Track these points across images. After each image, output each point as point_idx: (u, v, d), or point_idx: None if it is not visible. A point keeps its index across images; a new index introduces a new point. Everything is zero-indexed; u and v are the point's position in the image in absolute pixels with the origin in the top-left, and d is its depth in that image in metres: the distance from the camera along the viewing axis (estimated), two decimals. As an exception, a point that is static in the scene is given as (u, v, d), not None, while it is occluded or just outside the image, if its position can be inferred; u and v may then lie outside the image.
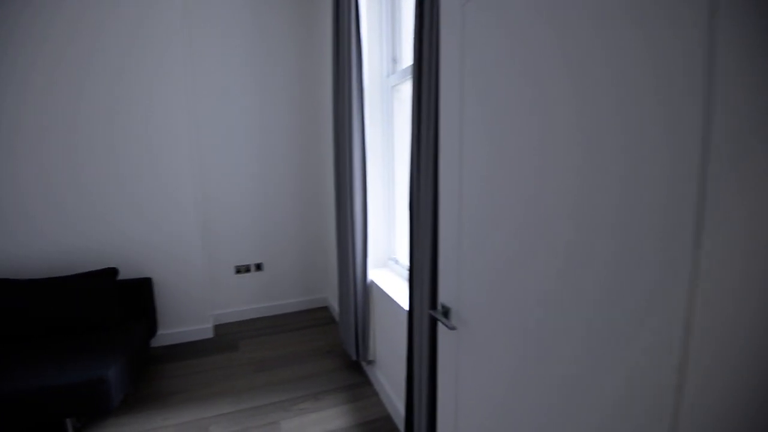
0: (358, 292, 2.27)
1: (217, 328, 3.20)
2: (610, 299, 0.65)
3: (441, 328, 1.22)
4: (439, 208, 1.19)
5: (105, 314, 2.38)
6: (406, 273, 2.20)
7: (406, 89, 2.29)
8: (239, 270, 3.30)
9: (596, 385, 0.69)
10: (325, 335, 3.03)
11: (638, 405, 0.62)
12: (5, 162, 2.47)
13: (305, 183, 3.39)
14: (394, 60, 2.35)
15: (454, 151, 1.08)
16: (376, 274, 2.34)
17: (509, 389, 0.93)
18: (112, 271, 2.51)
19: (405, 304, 1.87)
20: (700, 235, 0.51)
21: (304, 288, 3.52)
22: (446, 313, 1.16)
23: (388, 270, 2.41)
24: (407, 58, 2.28)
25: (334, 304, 3.34)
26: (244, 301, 3.35)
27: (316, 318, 3.35)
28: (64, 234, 2.62)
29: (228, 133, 3.12)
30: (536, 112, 0.78)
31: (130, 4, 2.58)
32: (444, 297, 1.20)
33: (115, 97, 2.63)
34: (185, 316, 2.99)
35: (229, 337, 3.05)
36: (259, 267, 3.35)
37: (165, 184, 2.80)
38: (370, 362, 2.40)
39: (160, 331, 2.93)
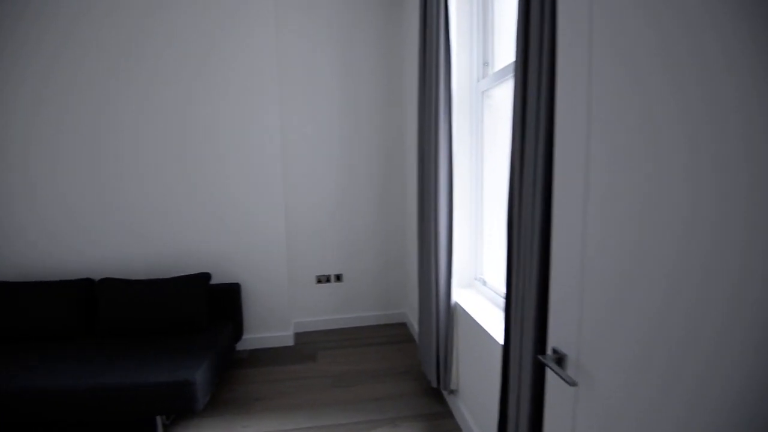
0: (440, 314, 2.10)
1: (297, 336, 3.24)
2: None
3: (552, 378, 1.01)
4: (553, 229, 0.99)
5: (197, 316, 2.52)
6: (496, 296, 1.97)
7: (499, 94, 2.09)
8: (320, 280, 3.32)
9: None
10: (403, 354, 2.89)
11: None
12: (111, 174, 2.76)
13: (387, 195, 3.32)
14: (485, 63, 2.16)
15: (577, 163, 0.87)
16: (460, 295, 2.15)
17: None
18: (206, 276, 2.65)
19: (497, 334, 1.65)
20: None
21: (383, 302, 3.44)
22: (560, 360, 0.95)
23: (474, 291, 2.21)
24: (501, 60, 2.09)
25: (413, 322, 3.19)
26: (323, 311, 3.36)
27: (393, 334, 3.24)
28: (164, 239, 2.85)
29: (311, 144, 3.17)
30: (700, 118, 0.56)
31: (225, 25, 2.75)
32: (557, 339, 0.98)
33: (209, 110, 2.81)
34: (268, 323, 3.07)
35: (308, 346, 3.06)
36: (339, 278, 3.34)
37: (255, 196, 2.91)
38: (452, 391, 2.20)
39: (245, 336, 3.04)
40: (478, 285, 2.20)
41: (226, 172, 2.87)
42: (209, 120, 2.81)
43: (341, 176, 3.24)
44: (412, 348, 2.98)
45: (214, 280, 2.93)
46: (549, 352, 1.01)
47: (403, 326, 3.39)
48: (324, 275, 3.32)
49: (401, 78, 3.22)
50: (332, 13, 3.07)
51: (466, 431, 2.00)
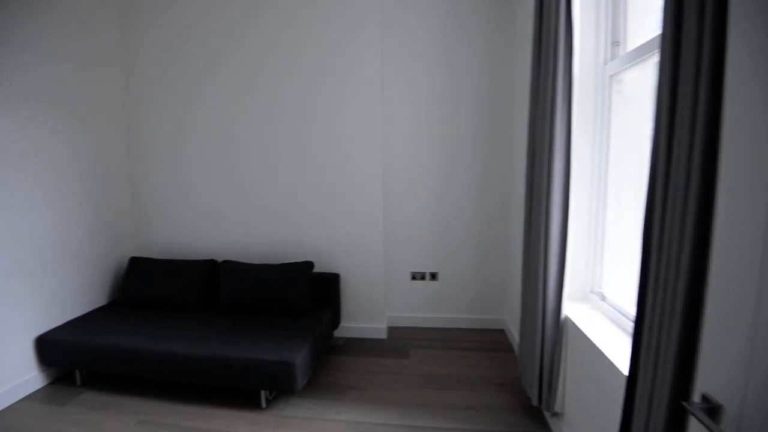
0: (547, 327, 1.88)
1: (390, 330, 3.26)
2: None
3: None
4: (714, 240, 0.77)
5: (301, 301, 2.68)
6: (617, 314, 1.70)
7: (632, 78, 1.78)
8: (414, 276, 3.28)
9: None
10: (500, 363, 2.70)
11: None
12: (236, 175, 3.07)
13: (489, 193, 3.13)
14: (615, 43, 1.86)
15: (759, 157, 0.66)
16: (572, 308, 1.90)
17: None
18: (310, 264, 2.81)
19: (619, 361, 1.41)
20: None
21: (479, 305, 3.26)
22: (713, 412, 0.74)
23: (590, 306, 1.93)
24: (636, 38, 1.77)
25: (512, 330, 2.96)
26: (416, 308, 3.32)
27: (489, 341, 3.05)
28: (276, 230, 3.11)
29: (411, 141, 3.13)
30: None
31: (334, 30, 2.85)
32: (710, 384, 0.77)
33: (320, 113, 2.95)
34: (363, 314, 3.14)
35: (400, 342, 3.06)
36: (434, 276, 3.26)
37: (357, 191, 3.00)
38: (556, 414, 1.97)
39: (342, 324, 3.15)
40: (595, 299, 1.92)
41: (330, 170, 3.00)
42: (320, 124, 2.97)
43: (441, 173, 3.14)
44: (510, 358, 2.77)
45: (316, 269, 3.10)
46: (696, 398, 0.80)
47: (500, 333, 3.17)
48: (419, 272, 3.27)
49: (510, 68, 2.98)
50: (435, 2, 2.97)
51: (571, 462, 1.78)
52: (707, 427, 0.72)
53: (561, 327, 1.84)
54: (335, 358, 2.81)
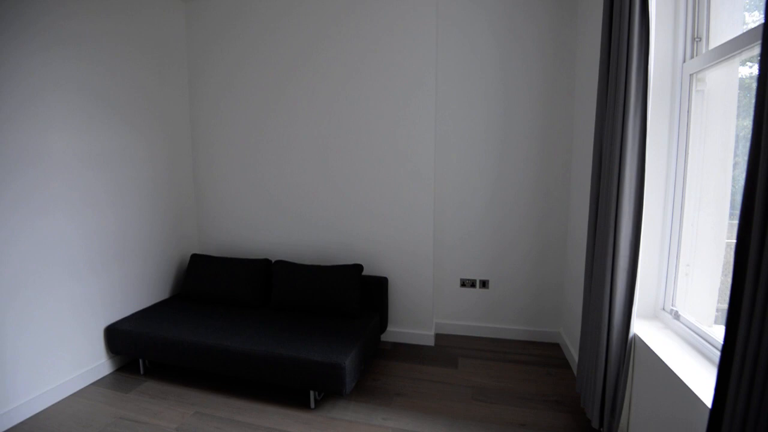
0: (612, 345, 1.74)
1: (438, 337, 3.20)
2: None
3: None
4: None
5: (350, 303, 2.70)
6: (692, 334, 1.54)
7: (716, 77, 1.62)
8: (464, 283, 3.20)
9: None
10: (556, 380, 2.55)
11: None
12: (290, 177, 3.16)
13: (545, 200, 2.98)
14: (697, 38, 1.70)
15: None
16: (641, 326, 1.75)
17: None
18: (359, 267, 2.82)
19: (700, 391, 1.27)
20: None
21: (533, 317, 3.11)
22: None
23: (661, 325, 1.77)
24: (720, 33, 1.60)
25: (569, 344, 2.79)
26: (465, 316, 3.23)
27: (543, 355, 2.90)
28: (328, 232, 3.16)
29: (464, 144, 3.06)
30: None
31: (390, 26, 2.85)
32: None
33: (373, 116, 2.96)
34: (411, 319, 3.11)
35: (448, 350, 2.99)
36: (484, 284, 3.16)
37: (408, 195, 2.97)
38: (619, 439, 1.82)
39: (389, 328, 3.14)
40: (667, 317, 1.76)
41: (381, 174, 3.00)
42: (372, 126, 2.98)
43: (494, 177, 3.04)
44: (566, 375, 2.61)
45: (365, 272, 3.11)
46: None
47: (555, 347, 3.00)
48: (468, 279, 3.18)
49: (572, 64, 2.82)
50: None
51: (638, 495, 1.63)
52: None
53: (629, 346, 1.70)
54: (382, 363, 2.80)
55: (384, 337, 3.14)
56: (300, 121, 3.12)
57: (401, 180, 2.98)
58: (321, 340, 2.35)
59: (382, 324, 2.93)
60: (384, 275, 3.09)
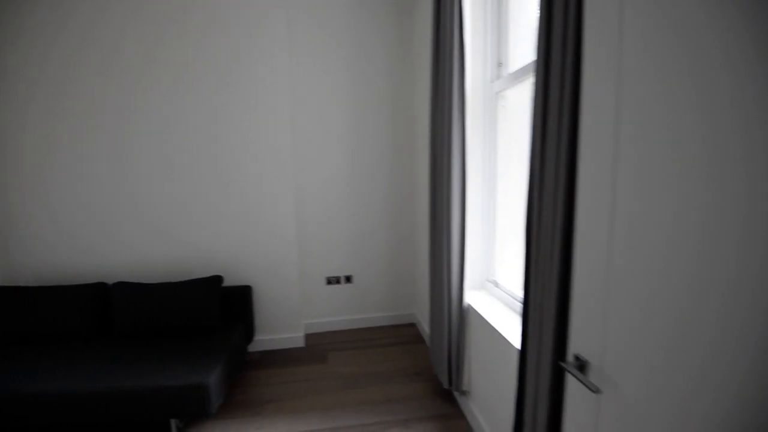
0: (452, 316, 2.09)
1: (308, 337, 3.25)
2: None
3: (573, 386, 1.00)
4: (576, 233, 0.98)
5: (210, 319, 2.53)
6: (509, 298, 1.96)
7: (513, 95, 2.08)
8: (330, 281, 3.32)
9: None
10: (414, 355, 2.88)
11: None
12: (126, 181, 2.78)
13: (396, 196, 3.31)
14: (500, 64, 2.15)
15: (604, 166, 0.86)
16: (473, 297, 2.14)
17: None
18: (218, 279, 2.66)
19: (512, 337, 1.64)
20: None
21: (392, 303, 3.43)
22: (582, 367, 0.94)
23: (486, 293, 2.19)
24: (516, 61, 2.07)
25: (422, 322, 3.18)
26: (333, 312, 3.36)
27: (403, 335, 3.23)
28: (178, 243, 2.86)
29: (322, 146, 3.18)
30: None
31: (240, 26, 2.76)
32: (579, 346, 0.97)
33: (224, 119, 2.82)
34: (279, 324, 3.08)
35: (318, 347, 3.07)
36: (348, 279, 3.34)
37: (266, 200, 2.92)
38: (464, 392, 2.19)
39: (257, 337, 3.05)
40: (491, 287, 2.18)
41: (239, 177, 2.88)
42: (223, 128, 2.82)
43: (350, 179, 3.24)
44: (422, 349, 2.98)
45: (226, 283, 2.94)
46: (570, 358, 1.00)
47: (412, 327, 3.38)
48: (334, 276, 3.32)
49: (412, 81, 3.21)
50: (342, 21, 3.06)
51: (477, 431, 2.00)
52: (579, 380, 0.91)
53: (464, 314, 2.06)
54: (251, 374, 2.71)
55: (252, 347, 3.04)
56: (139, 125, 2.75)
57: (260, 188, 2.91)
58: (179, 363, 2.15)
59: (248, 334, 2.83)
60: (248, 284, 2.98)
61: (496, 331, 1.75)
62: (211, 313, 2.54)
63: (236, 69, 2.79)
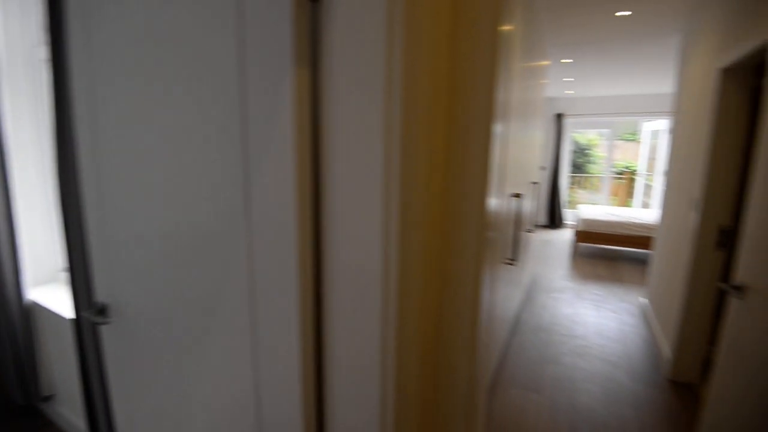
0: (13, 319, 1.80)
1: None
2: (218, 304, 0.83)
3: (105, 328, 1.17)
4: (85, 202, 1.13)
5: None
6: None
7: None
8: None
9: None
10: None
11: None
12: None
13: None
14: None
15: (87, 144, 1.05)
16: (43, 291, 1.91)
17: (171, 379, 1.01)
18: None
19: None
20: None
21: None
22: (103, 310, 1.12)
23: (59, 284, 2.02)
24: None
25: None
26: None
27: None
28: None
29: None
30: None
31: None
32: (101, 294, 1.15)
33: None
34: None
35: None
36: None
37: None
38: (48, 398, 1.96)
39: None
40: (64, 276, 2.03)
41: None
42: None
43: None
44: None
45: None
46: (93, 306, 1.16)
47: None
48: None
49: None
50: None
51: (72, 429, 1.87)
52: (93, 319, 1.08)
53: (28, 313, 1.83)
54: None
55: None
56: None
57: None
58: None
59: None
60: None
61: (66, 319, 1.68)
62: None
63: None
